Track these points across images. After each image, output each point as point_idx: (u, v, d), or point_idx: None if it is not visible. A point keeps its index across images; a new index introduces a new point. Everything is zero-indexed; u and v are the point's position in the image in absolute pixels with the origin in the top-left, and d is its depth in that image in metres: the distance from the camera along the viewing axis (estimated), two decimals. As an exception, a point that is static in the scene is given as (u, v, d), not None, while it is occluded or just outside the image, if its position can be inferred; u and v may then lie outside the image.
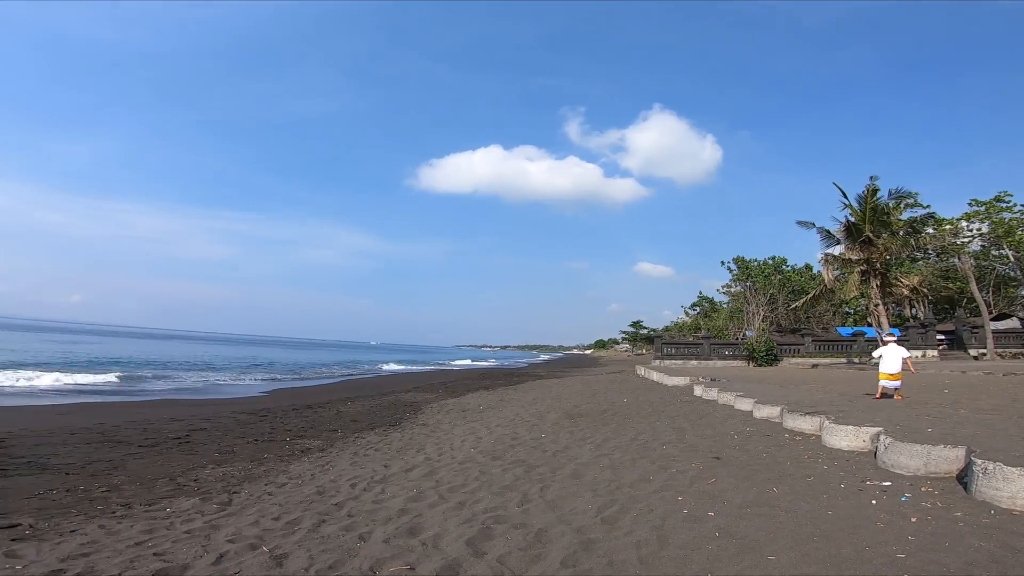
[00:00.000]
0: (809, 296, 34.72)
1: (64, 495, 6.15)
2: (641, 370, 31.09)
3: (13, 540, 4.58)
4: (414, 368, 51.90)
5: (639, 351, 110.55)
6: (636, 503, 5.37)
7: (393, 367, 51.84)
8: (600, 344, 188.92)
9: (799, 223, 31.24)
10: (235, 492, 6.51)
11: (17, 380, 20.65)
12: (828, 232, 30.74)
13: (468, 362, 77.94)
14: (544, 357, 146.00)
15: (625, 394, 18.05)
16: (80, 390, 19.95)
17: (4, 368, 23.94)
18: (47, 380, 21.42)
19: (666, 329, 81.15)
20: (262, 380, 30.17)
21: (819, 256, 32.15)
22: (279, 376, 33.66)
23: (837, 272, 30.41)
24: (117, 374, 25.55)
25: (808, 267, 53.53)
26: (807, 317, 47.02)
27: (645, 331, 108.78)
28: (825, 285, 30.98)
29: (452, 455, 8.53)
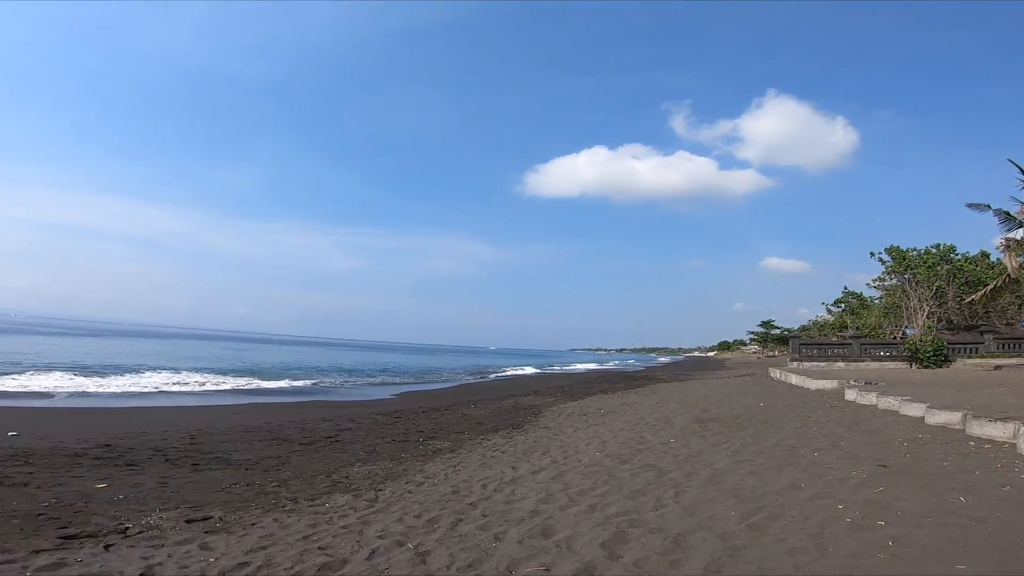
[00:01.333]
0: (988, 288, 29.33)
1: (244, 489, 7.02)
2: (776, 372, 28.50)
3: (207, 532, 5.14)
4: (531, 372, 52.67)
5: (770, 353, 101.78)
6: (787, 510, 4.89)
7: (516, 372, 53.04)
8: (724, 346, 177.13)
9: (970, 206, 26.69)
10: (380, 489, 7.01)
11: (204, 384, 24.36)
12: (1008, 214, 25.80)
13: (583, 366, 77.39)
14: (663, 360, 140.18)
15: (760, 398, 16.63)
16: (250, 392, 23.05)
17: (193, 372, 28.39)
18: (227, 383, 25.00)
19: (803, 329, 73.62)
20: (392, 384, 32.54)
21: (998, 242, 27.11)
22: (406, 380, 36.06)
23: (1022, 259, 25.43)
24: (286, 381, 29.04)
25: (984, 255, 45.26)
26: (985, 312, 39.75)
27: (777, 331, 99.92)
28: (1008, 275, 26.05)
29: (577, 458, 8.45)
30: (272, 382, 27.39)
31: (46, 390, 18.63)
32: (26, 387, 18.99)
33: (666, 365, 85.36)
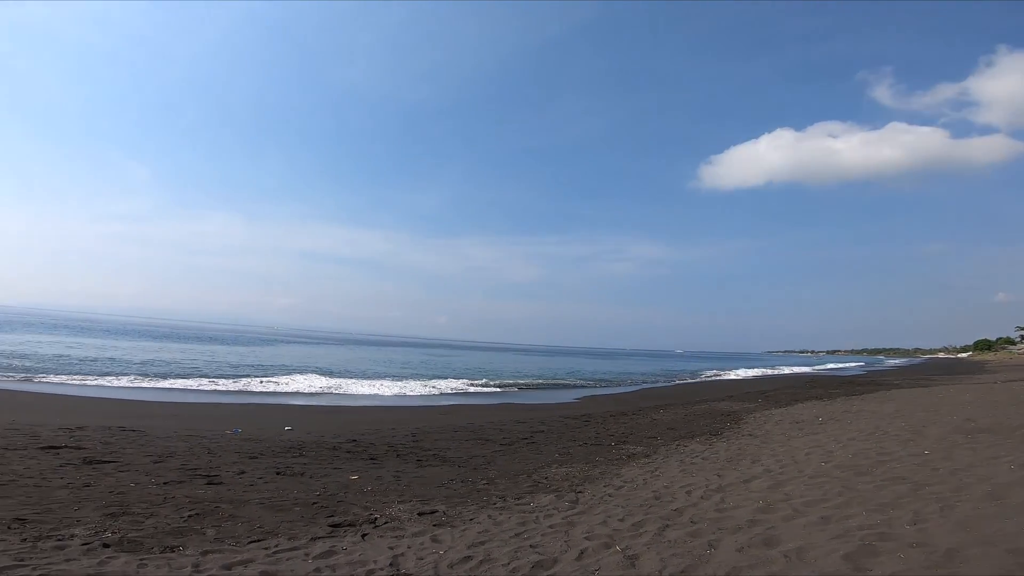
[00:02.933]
0: None
1: (460, 485, 7.69)
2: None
3: (435, 526, 5.65)
4: (724, 377, 48.61)
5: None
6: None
7: (720, 375, 49.69)
8: (983, 345, 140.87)
9: None
10: (580, 491, 7.10)
11: (426, 387, 27.51)
12: None
13: (787, 368, 68.64)
14: (893, 362, 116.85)
15: (1052, 402, 12.74)
16: (453, 394, 25.48)
17: (410, 378, 32.38)
18: (437, 386, 27.99)
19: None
20: (574, 387, 32.98)
21: None
22: (588, 383, 36.20)
23: None
24: (481, 384, 31.60)
25: None
26: None
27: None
28: None
29: (797, 468, 7.48)
30: (470, 385, 29.96)
31: (312, 390, 23.10)
32: (287, 387, 23.70)
33: (898, 368, 70.99)
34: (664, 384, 37.60)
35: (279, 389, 22.46)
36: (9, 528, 4.59)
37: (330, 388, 23.88)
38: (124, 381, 20.78)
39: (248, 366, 33.00)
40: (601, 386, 34.72)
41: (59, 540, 4.44)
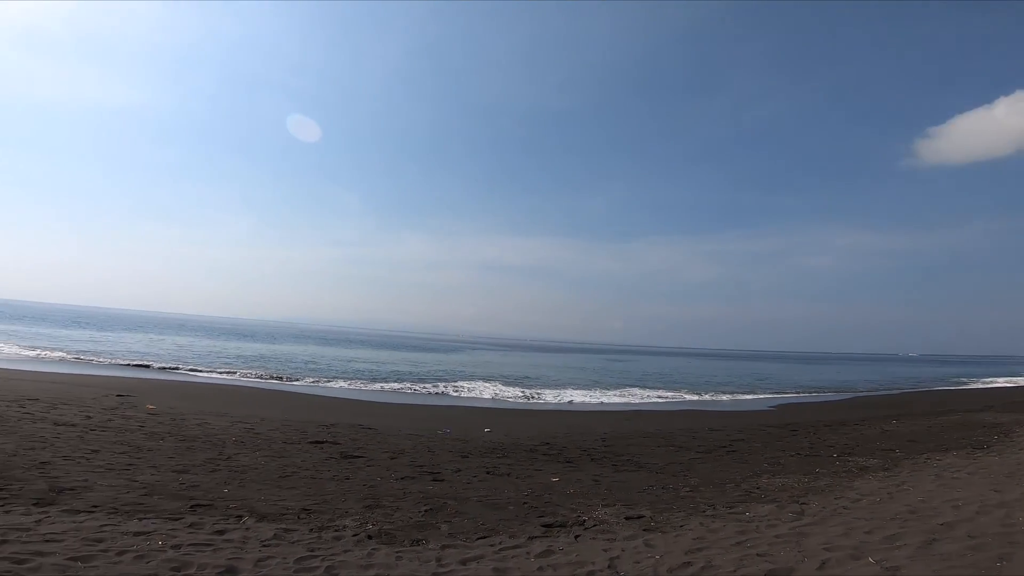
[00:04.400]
0: None
1: (661, 492, 7.48)
2: None
3: (645, 530, 5.59)
4: (974, 385, 39.29)
5: None
6: None
7: (954, 383, 40.81)
8: None
9: None
10: (804, 503, 6.39)
11: (607, 393, 27.42)
12: None
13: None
14: None
15: None
16: (637, 399, 24.84)
17: (590, 384, 32.52)
18: (615, 393, 27.72)
19: None
20: (767, 394, 29.72)
21: None
22: (783, 390, 32.31)
23: None
24: (662, 390, 30.49)
25: None
26: None
27: None
28: None
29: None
30: (650, 391, 28.99)
31: (500, 395, 24.69)
32: (478, 391, 25.51)
33: None
34: (887, 392, 31.85)
35: (472, 393, 24.44)
36: (299, 518, 5.46)
37: (515, 393, 25.21)
38: (354, 384, 24.52)
39: (443, 371, 36.41)
40: (801, 393, 30.80)
41: (336, 531, 5.00)
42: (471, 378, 30.37)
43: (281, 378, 24.47)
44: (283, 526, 4.89)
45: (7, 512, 4.43)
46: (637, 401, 25.07)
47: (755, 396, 28.87)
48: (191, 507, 5.20)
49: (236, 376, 24.00)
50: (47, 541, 3.79)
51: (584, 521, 5.92)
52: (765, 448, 10.98)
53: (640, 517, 6.09)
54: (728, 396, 28.26)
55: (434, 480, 7.68)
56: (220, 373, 24.32)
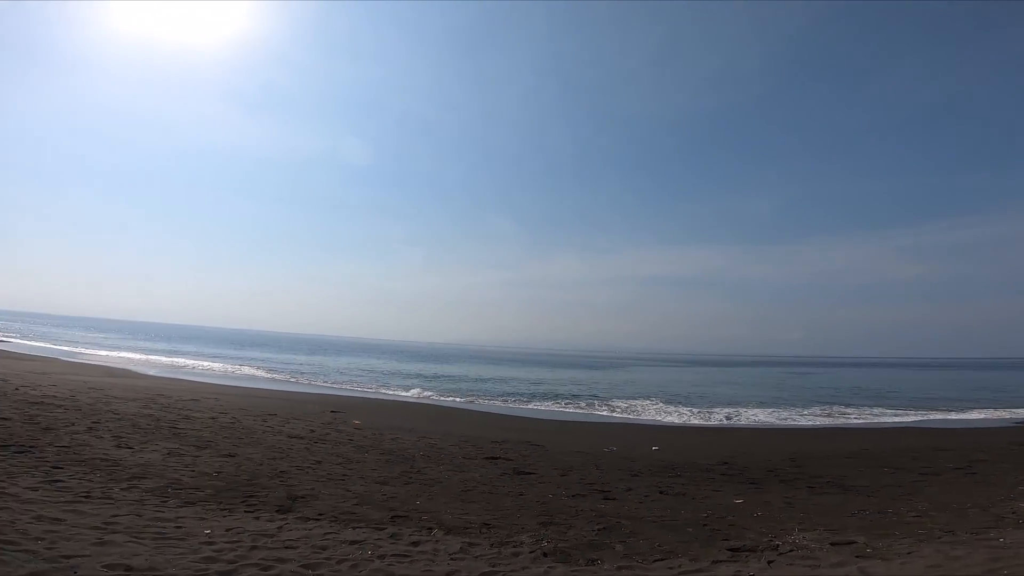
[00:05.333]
0: None
1: (877, 516, 6.48)
2: None
3: (857, 557, 4.91)
4: None
5: None
6: None
7: None
8: None
9: None
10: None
11: (788, 409, 24.57)
12: None
13: None
14: None
15: None
16: (827, 415, 21.74)
17: (766, 400, 29.37)
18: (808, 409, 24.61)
19: None
20: (1008, 410, 23.77)
21: None
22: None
23: None
24: (871, 404, 26.37)
25: None
26: None
27: None
28: None
29: None
30: (842, 407, 25.16)
31: (663, 411, 23.57)
32: (640, 409, 24.53)
33: None
34: None
35: (633, 411, 23.68)
36: (480, 532, 5.72)
37: (681, 410, 23.83)
38: (519, 402, 25.47)
39: (602, 388, 36.02)
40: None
41: (514, 547, 5.08)
42: (632, 396, 29.58)
43: (455, 396, 26.57)
44: (467, 540, 5.23)
45: (256, 518, 5.38)
46: (828, 418, 21.95)
47: (989, 412, 23.32)
48: (391, 518, 5.85)
49: (417, 394, 26.64)
50: (286, 548, 4.45)
51: (778, 546, 5.38)
52: (1017, 469, 8.83)
53: (850, 543, 5.35)
54: (953, 413, 23.26)
55: (605, 498, 7.60)
56: (405, 391, 27.19)
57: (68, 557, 3.63)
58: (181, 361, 35.38)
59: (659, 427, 18.39)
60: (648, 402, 26.33)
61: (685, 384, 42.69)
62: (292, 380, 29.40)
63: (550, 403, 25.27)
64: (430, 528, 5.54)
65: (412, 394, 26.41)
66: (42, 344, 38.92)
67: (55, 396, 11.78)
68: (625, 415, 21.76)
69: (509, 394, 28.61)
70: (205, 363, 35.23)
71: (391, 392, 26.42)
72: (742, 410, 23.62)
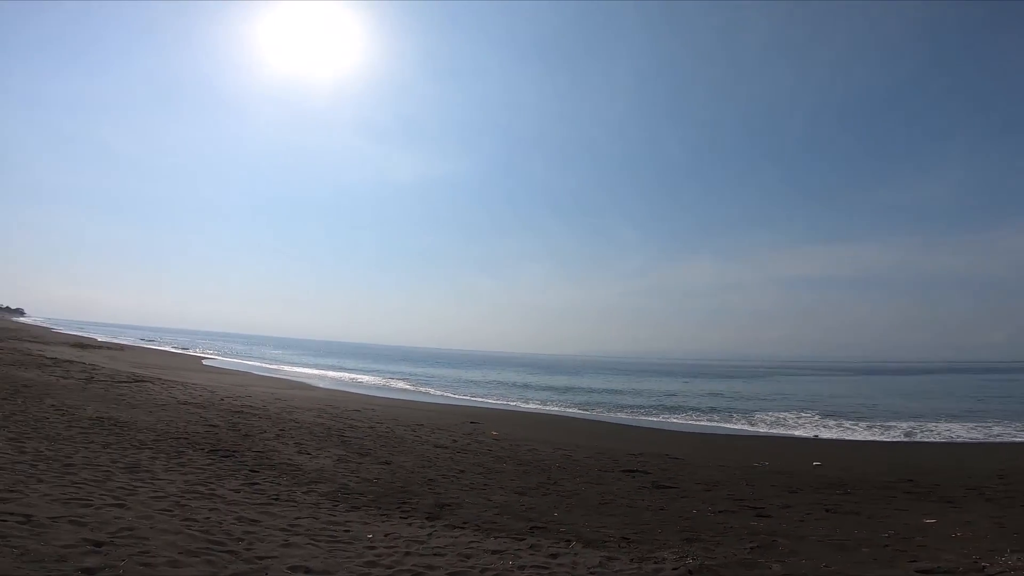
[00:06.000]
0: None
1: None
2: None
3: None
4: None
5: None
6: None
7: None
8: None
9: None
10: None
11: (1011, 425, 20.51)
12: None
13: None
14: None
15: None
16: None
17: (970, 417, 24.79)
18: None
19: None
20: None
21: None
22: None
23: None
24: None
25: None
26: None
27: None
28: None
29: None
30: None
31: (819, 426, 21.00)
32: (789, 421, 22.05)
33: None
34: None
35: (784, 423, 21.51)
36: (619, 546, 5.60)
37: (843, 423, 21.01)
38: (653, 414, 24.56)
39: (746, 399, 33.23)
40: None
41: (655, 563, 4.91)
42: (780, 408, 26.89)
43: (589, 408, 26.41)
44: (606, 554, 5.15)
45: (409, 524, 5.83)
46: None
47: None
48: (530, 528, 5.98)
49: (550, 407, 27.02)
50: (435, 555, 4.72)
51: (984, 567, 4.68)
52: None
53: None
54: None
55: (758, 515, 7.00)
56: (538, 404, 27.69)
57: (261, 558, 4.10)
58: (344, 375, 39.95)
59: (817, 442, 16.57)
60: (802, 415, 23.87)
61: (846, 396, 37.57)
62: (434, 392, 31.54)
63: (686, 415, 23.98)
64: (568, 540, 5.55)
65: (543, 406, 26.84)
66: (236, 360, 46.61)
67: (251, 406, 14.01)
68: (772, 429, 19.87)
69: (642, 406, 27.70)
70: (362, 376, 39.38)
71: (523, 404, 27.08)
72: (929, 423, 20.17)
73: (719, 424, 21.01)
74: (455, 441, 12.01)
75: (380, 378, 39.04)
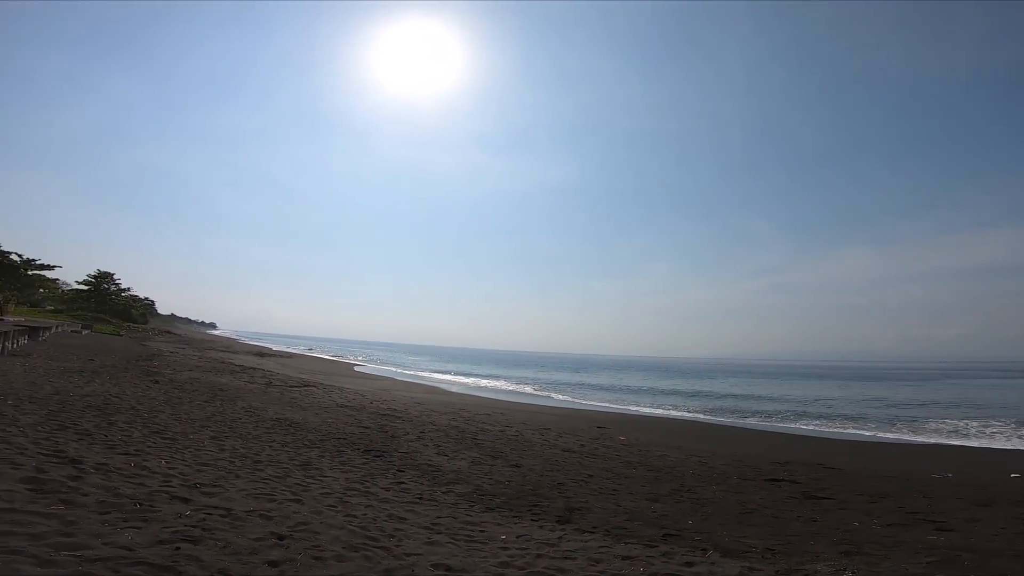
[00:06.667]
0: None
1: None
2: None
3: None
4: None
5: None
6: None
7: None
8: None
9: None
10: None
11: None
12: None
13: None
14: None
15: None
16: None
17: None
18: None
19: None
20: None
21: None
22: None
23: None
24: None
25: None
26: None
27: None
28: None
29: None
30: None
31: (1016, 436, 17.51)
32: (960, 429, 18.57)
33: None
34: None
35: (962, 433, 18.26)
36: (763, 557, 5.28)
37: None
38: (800, 420, 22.33)
39: (919, 405, 29.01)
40: None
41: (804, 575, 4.66)
42: (965, 416, 22.93)
43: (721, 414, 24.78)
44: (747, 564, 4.85)
45: (540, 527, 5.98)
46: None
47: None
48: (663, 536, 5.82)
49: (679, 412, 25.80)
50: (565, 558, 4.77)
51: None
52: None
53: None
54: None
55: (937, 529, 6.17)
56: (665, 409, 26.62)
57: (408, 555, 4.33)
58: (471, 380, 41.94)
59: (1015, 452, 13.92)
60: (991, 424, 20.15)
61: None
62: (558, 397, 31.74)
63: (838, 423, 21.36)
64: (704, 549, 5.33)
65: (671, 411, 25.73)
66: (380, 366, 51.19)
67: (394, 410, 15.36)
68: (947, 439, 16.98)
69: (782, 412, 25.43)
70: (488, 381, 41.01)
71: (649, 409, 26.21)
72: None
73: (876, 433, 18.45)
74: (582, 445, 12.03)
75: (505, 383, 40.33)
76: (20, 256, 63.70)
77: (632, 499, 7.53)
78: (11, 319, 29.43)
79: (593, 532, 5.85)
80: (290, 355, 48.75)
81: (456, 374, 48.52)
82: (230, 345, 58.90)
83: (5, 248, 60.86)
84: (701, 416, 23.26)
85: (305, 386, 19.63)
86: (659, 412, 24.74)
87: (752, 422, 21.42)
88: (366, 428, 11.44)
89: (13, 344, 17.42)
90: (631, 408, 26.19)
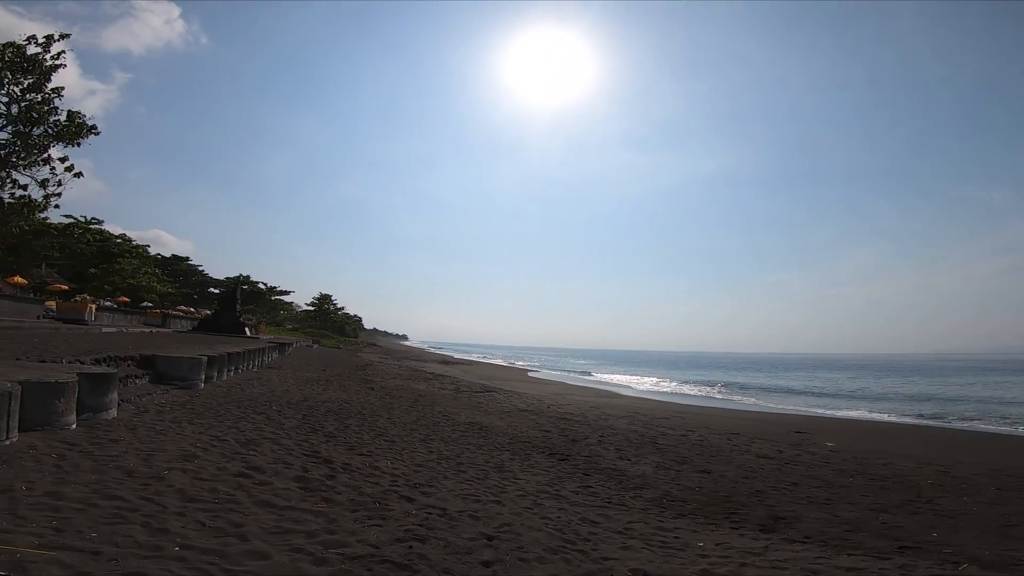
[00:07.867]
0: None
1: None
2: None
3: None
4: None
5: None
6: None
7: None
8: None
9: None
10: None
11: None
12: None
13: None
14: None
15: None
16: None
17: None
18: None
19: None
20: None
21: None
22: None
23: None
24: None
25: None
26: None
27: None
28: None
29: None
30: None
31: None
32: None
33: None
34: None
35: None
36: None
37: None
38: None
39: None
40: None
41: None
42: None
43: (953, 418, 20.43)
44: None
45: (741, 535, 5.58)
46: None
47: None
48: (898, 548, 5.05)
49: (897, 416, 21.99)
50: (774, 568, 4.38)
51: None
52: None
53: None
54: None
55: None
56: (879, 412, 23.04)
57: (605, 559, 4.27)
58: (643, 382, 40.78)
59: None
60: None
61: None
62: (743, 399, 29.20)
63: None
64: (957, 563, 4.51)
65: (886, 415, 21.99)
66: (552, 371, 52.57)
67: (571, 413, 15.68)
68: None
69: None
70: (662, 383, 39.44)
71: (857, 412, 22.68)
72: None
73: None
74: (780, 452, 10.94)
75: (679, 384, 38.43)
76: (265, 284, 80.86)
77: (851, 509, 6.65)
78: (265, 337, 36.84)
79: (805, 542, 5.31)
80: (470, 362, 52.88)
81: (626, 375, 47.77)
82: (420, 355, 65.98)
83: (253, 279, 77.74)
84: (930, 422, 19.45)
85: (487, 391, 21.16)
86: (871, 416, 21.34)
87: (1005, 428, 17.25)
88: (547, 432, 11.86)
89: (269, 358, 21.92)
90: (831, 412, 22.99)
